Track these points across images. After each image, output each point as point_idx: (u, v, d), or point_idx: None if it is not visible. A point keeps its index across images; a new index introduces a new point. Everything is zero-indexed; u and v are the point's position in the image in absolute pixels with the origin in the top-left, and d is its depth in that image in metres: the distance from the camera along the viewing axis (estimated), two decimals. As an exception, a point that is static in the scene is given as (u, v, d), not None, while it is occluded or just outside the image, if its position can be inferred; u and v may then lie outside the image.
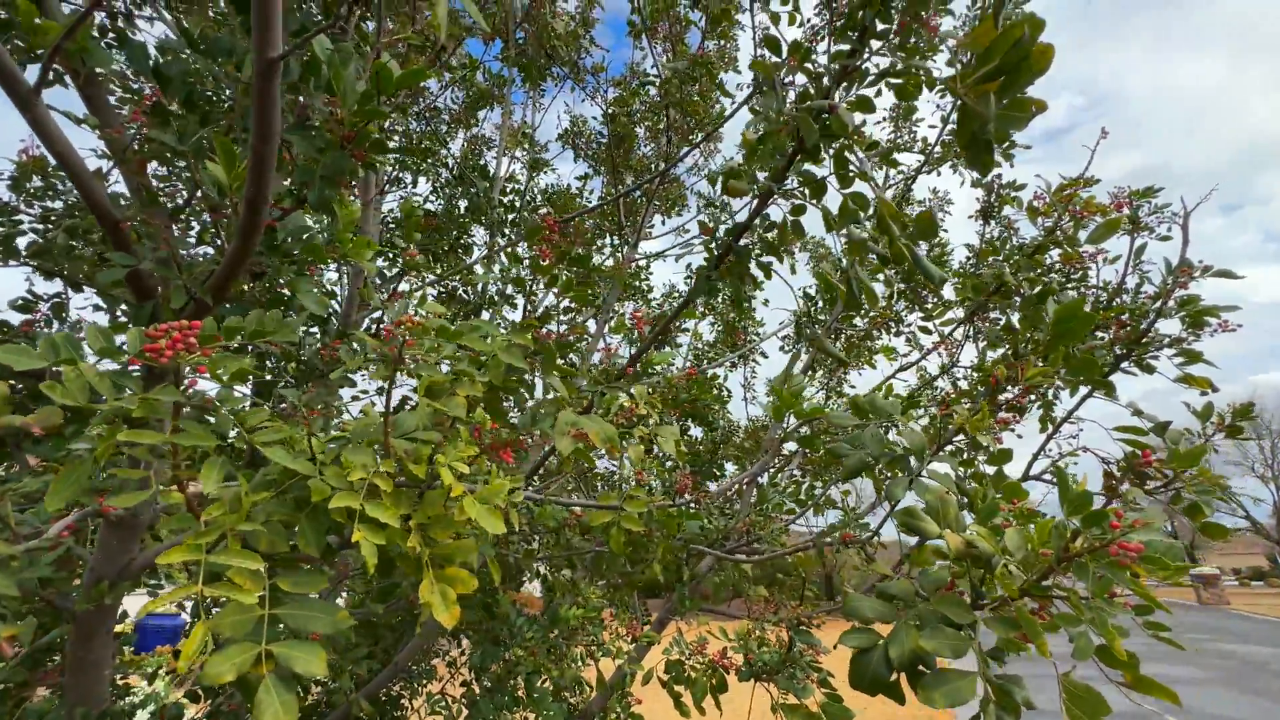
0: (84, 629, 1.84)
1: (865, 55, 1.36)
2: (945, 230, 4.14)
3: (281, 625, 1.12)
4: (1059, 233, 2.10)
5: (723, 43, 4.48)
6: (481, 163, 4.87)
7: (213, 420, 1.16)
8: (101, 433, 0.99)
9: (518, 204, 4.98)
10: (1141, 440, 2.13)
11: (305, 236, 1.91)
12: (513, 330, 1.53)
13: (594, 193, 5.37)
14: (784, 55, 1.35)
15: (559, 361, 1.69)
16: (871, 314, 4.00)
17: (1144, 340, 1.97)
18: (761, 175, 1.61)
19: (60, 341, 0.97)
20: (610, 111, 4.50)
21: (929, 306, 4.13)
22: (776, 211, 1.74)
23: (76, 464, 0.95)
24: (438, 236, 4.85)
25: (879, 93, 1.36)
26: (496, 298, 4.57)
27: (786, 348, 5.55)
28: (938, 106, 3.92)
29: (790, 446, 4.04)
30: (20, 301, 2.69)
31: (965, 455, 1.66)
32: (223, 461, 1.02)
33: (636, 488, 2.20)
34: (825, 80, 1.41)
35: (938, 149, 3.78)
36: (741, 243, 1.59)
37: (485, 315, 4.88)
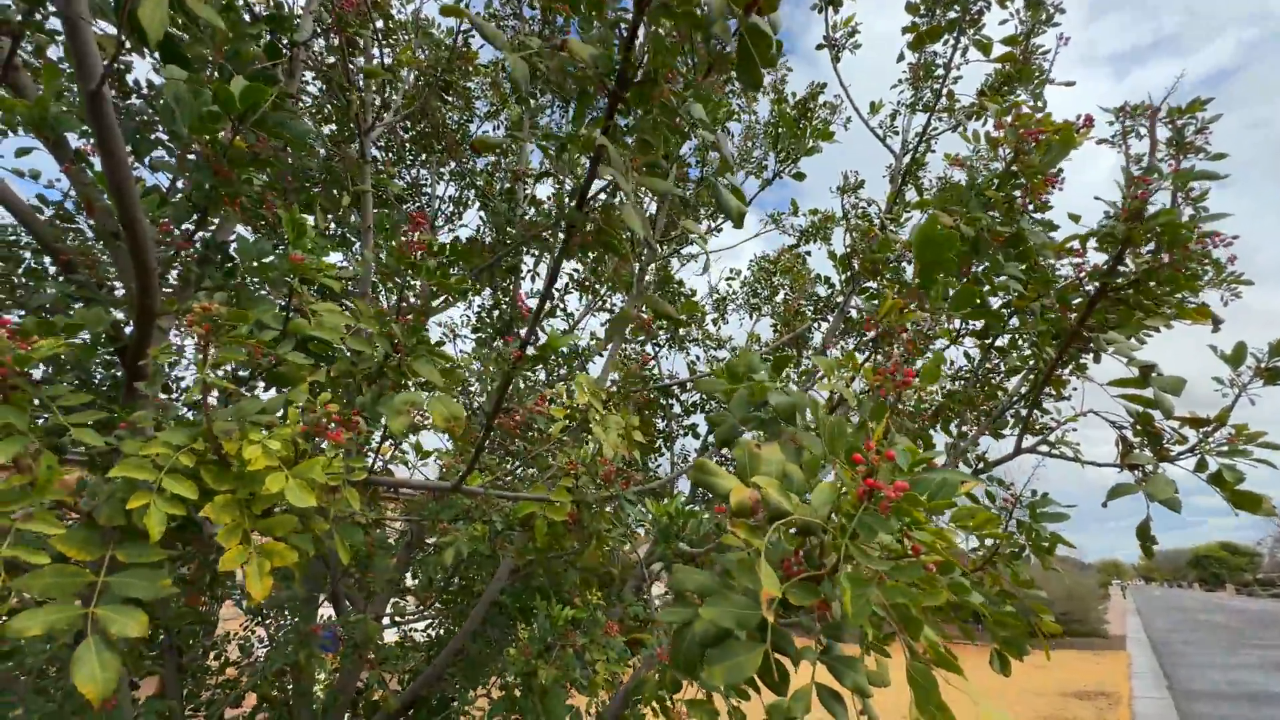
0: None
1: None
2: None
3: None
4: (1020, 160, 1.77)
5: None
6: (510, 187, 5.12)
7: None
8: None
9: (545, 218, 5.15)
10: (1143, 394, 1.74)
11: (263, 260, 2.13)
12: (363, 318, 1.60)
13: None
14: None
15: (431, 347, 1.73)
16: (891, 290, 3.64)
17: (1116, 272, 1.58)
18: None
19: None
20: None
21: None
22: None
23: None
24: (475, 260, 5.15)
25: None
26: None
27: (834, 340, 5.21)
28: (946, 64, 3.54)
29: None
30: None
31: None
32: (25, 440, 1.15)
33: (566, 478, 2.17)
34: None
35: (943, 101, 3.40)
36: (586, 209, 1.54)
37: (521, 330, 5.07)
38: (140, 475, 1.20)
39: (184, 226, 1.70)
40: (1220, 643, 19.15)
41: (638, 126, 1.48)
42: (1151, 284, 1.55)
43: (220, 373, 1.79)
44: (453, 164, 5.97)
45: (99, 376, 2.55)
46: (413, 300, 1.77)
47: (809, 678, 1.06)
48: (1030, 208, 2.15)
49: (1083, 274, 1.69)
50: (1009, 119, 1.85)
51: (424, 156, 5.79)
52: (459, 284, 1.74)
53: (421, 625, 4.40)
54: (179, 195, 1.63)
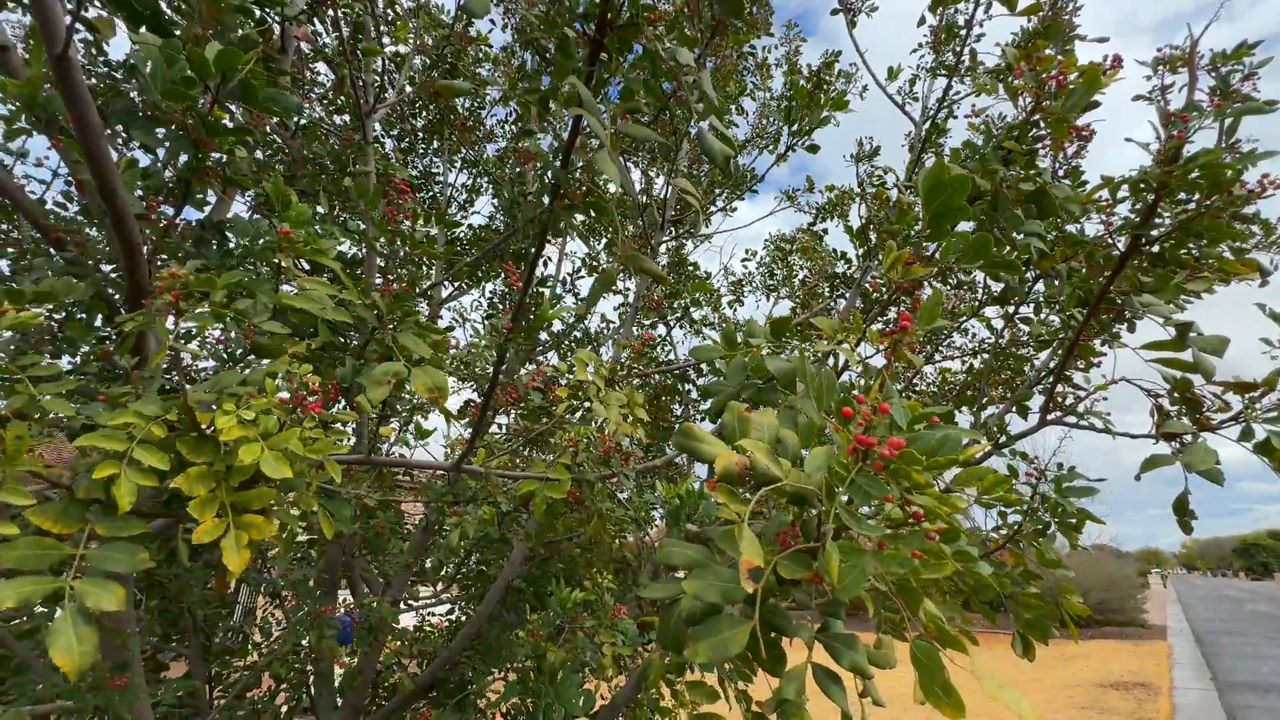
0: None
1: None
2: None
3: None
4: (1044, 105, 1.63)
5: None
6: (519, 171, 5.07)
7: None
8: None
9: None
10: (1180, 357, 1.61)
11: (259, 239, 2.10)
12: (349, 290, 1.55)
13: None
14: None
15: (421, 322, 1.68)
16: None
17: (1149, 224, 1.43)
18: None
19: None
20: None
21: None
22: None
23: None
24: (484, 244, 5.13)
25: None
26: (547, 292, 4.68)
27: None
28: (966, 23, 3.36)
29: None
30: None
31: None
32: (-8, 411, 1.13)
33: (566, 455, 2.10)
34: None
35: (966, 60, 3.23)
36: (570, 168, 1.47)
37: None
38: (110, 445, 1.17)
39: (177, 204, 1.66)
40: (1268, 633, 18.42)
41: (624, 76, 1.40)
42: (1190, 239, 1.40)
43: (207, 346, 1.77)
44: (464, 151, 5.95)
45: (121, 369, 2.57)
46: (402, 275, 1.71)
47: (807, 658, 0.98)
48: (1059, 170, 1.99)
49: (1112, 228, 1.55)
50: (1027, 64, 1.71)
51: (436, 144, 5.76)
52: (448, 253, 1.68)
53: (441, 610, 4.42)
54: (161, 166, 1.59)
